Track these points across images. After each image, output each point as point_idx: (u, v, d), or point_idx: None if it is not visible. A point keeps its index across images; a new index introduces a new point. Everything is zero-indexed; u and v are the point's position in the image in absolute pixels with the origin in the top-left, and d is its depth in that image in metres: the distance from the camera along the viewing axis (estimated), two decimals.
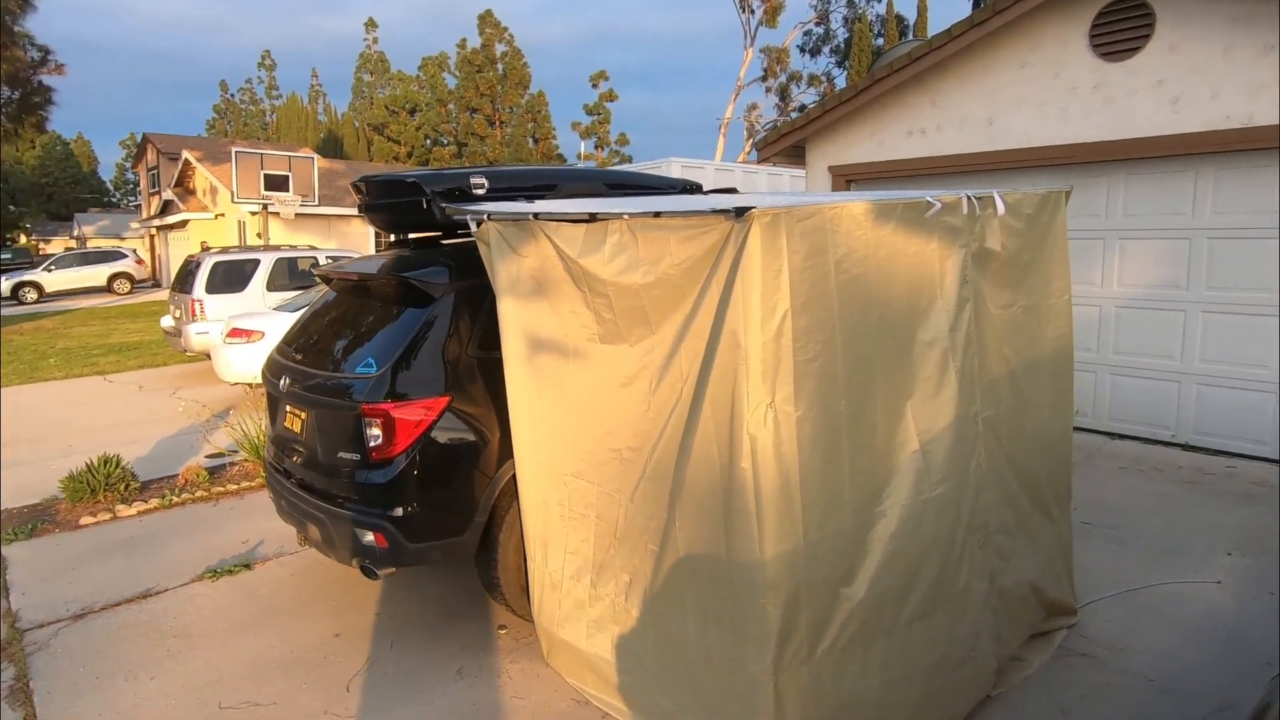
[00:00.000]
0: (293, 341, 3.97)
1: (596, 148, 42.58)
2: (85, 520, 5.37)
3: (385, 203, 4.01)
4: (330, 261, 8.52)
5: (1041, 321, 3.33)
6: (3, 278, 24.53)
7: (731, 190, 4.89)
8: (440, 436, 3.38)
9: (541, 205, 3.45)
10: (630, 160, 42.65)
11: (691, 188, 4.95)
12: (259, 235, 17.80)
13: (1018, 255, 3.17)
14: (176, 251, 29.38)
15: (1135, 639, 3.51)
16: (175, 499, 5.69)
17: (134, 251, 28.22)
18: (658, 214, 2.56)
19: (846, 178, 7.96)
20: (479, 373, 3.50)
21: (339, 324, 3.93)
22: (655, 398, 2.73)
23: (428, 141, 46.49)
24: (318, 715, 3.18)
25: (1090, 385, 6.68)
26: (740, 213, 2.29)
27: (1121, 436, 6.60)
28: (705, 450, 2.53)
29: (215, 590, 4.32)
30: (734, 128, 34.69)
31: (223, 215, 24.97)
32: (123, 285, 26.25)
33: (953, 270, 2.85)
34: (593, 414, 2.99)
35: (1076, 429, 6.62)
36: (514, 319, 3.22)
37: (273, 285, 10.74)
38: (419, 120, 46.52)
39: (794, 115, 26.64)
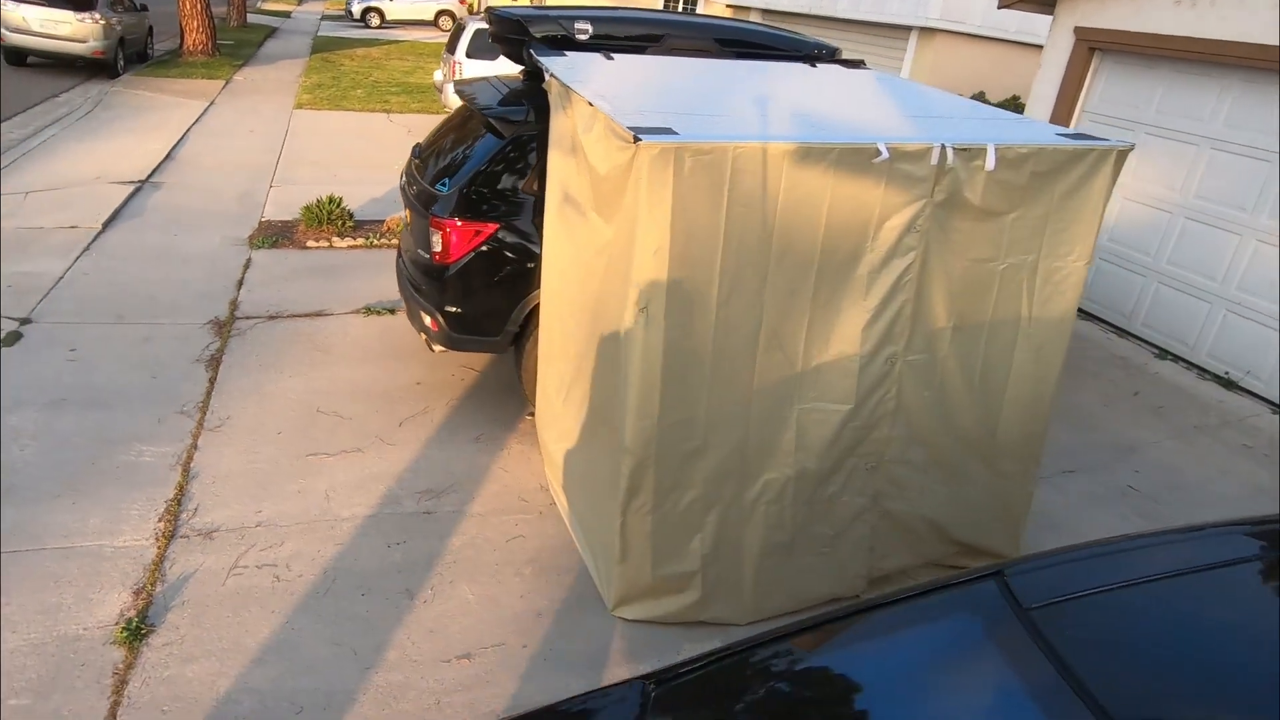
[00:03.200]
0: (420, 149, 4.78)
1: None
2: (310, 243, 6.97)
3: (504, 36, 4.48)
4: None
5: (1039, 283, 3.21)
6: (355, 1, 28.01)
7: (859, 64, 4.71)
8: (486, 256, 4.11)
9: (599, 73, 3.77)
10: None
11: (820, 53, 4.81)
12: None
13: (1017, 212, 3.04)
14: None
15: None
16: (375, 241, 7.11)
17: None
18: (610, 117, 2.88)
19: (1092, 44, 6.86)
20: (529, 208, 4.10)
21: (448, 140, 4.64)
22: (607, 271, 3.20)
23: None
24: (373, 434, 4.35)
25: (1136, 289, 6.67)
26: (638, 138, 2.57)
27: (1147, 342, 6.57)
28: (612, 331, 3.02)
29: (364, 323, 5.63)
30: None
31: None
32: (445, 22, 28.85)
33: (900, 217, 2.89)
34: (583, 269, 3.52)
35: (1116, 329, 6.73)
36: (555, 169, 3.73)
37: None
38: None
39: None
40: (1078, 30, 6.92)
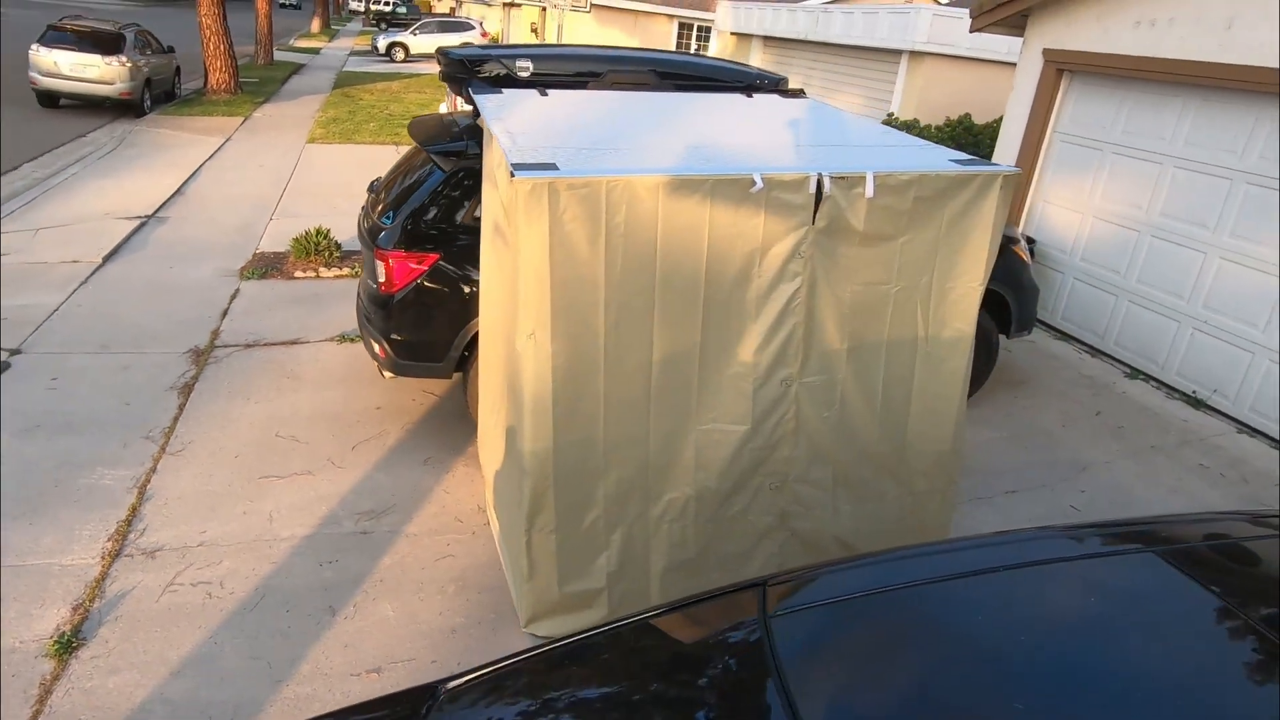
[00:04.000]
0: (376, 184, 4.99)
1: None
2: (297, 274, 7.25)
3: (451, 75, 4.69)
4: None
5: (933, 305, 3.28)
6: (381, 37, 28.91)
7: (799, 93, 4.83)
8: (427, 285, 4.29)
9: (525, 109, 3.94)
10: None
11: (762, 83, 4.95)
12: (533, 29, 19.00)
13: (906, 236, 3.13)
14: (516, 29, 32.09)
15: None
16: (360, 271, 7.36)
17: (481, 23, 31.30)
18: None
19: (1060, 66, 6.91)
20: (469, 239, 4.27)
21: (398, 175, 4.85)
22: (513, 297, 3.34)
23: None
24: (325, 457, 4.53)
25: (1108, 309, 6.61)
26: (514, 174, 2.72)
27: (1119, 361, 6.54)
28: (510, 355, 3.16)
29: (336, 351, 5.85)
30: None
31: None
32: None
33: (784, 244, 2.99)
34: (506, 297, 3.67)
35: (1090, 348, 6.67)
36: (487, 201, 3.89)
37: None
38: None
39: None
40: (1046, 52, 6.98)
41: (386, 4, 48.66)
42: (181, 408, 4.95)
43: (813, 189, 2.93)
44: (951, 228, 3.17)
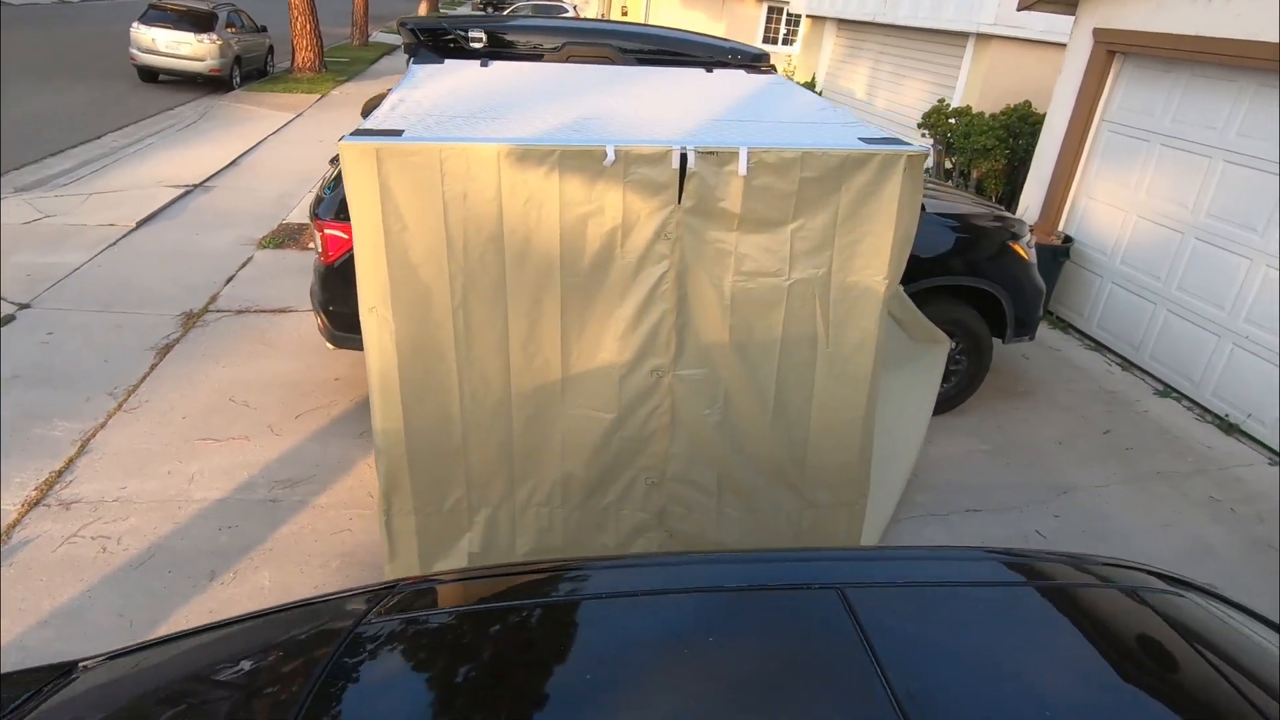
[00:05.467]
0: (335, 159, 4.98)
1: None
2: (311, 245, 7.40)
3: (409, 45, 4.62)
4: None
5: (833, 301, 2.97)
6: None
7: (764, 70, 4.52)
8: None
9: (446, 78, 3.82)
10: None
11: (733, 59, 4.66)
12: (623, 12, 18.82)
13: (796, 222, 2.83)
14: (612, 14, 32.04)
15: None
16: None
17: (575, 7, 31.41)
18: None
19: (1110, 47, 6.24)
20: None
21: None
22: None
23: None
24: (267, 424, 4.57)
25: (1146, 318, 5.93)
26: (345, 137, 2.60)
27: (1152, 376, 5.90)
28: None
29: (313, 321, 5.91)
30: None
31: None
32: None
33: (648, 224, 2.76)
34: None
35: (1122, 360, 6.07)
36: None
37: None
38: None
39: None
40: (1096, 32, 6.33)
41: None
42: (153, 367, 5.12)
43: (676, 164, 2.69)
44: (850, 215, 2.85)
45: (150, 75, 15.43)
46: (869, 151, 2.77)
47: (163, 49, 14.83)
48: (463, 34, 4.39)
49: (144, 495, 3.93)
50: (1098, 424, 5.18)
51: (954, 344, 4.81)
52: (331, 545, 3.70)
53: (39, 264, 6.51)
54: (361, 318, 2.84)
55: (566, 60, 4.46)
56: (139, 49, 14.83)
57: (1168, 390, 5.65)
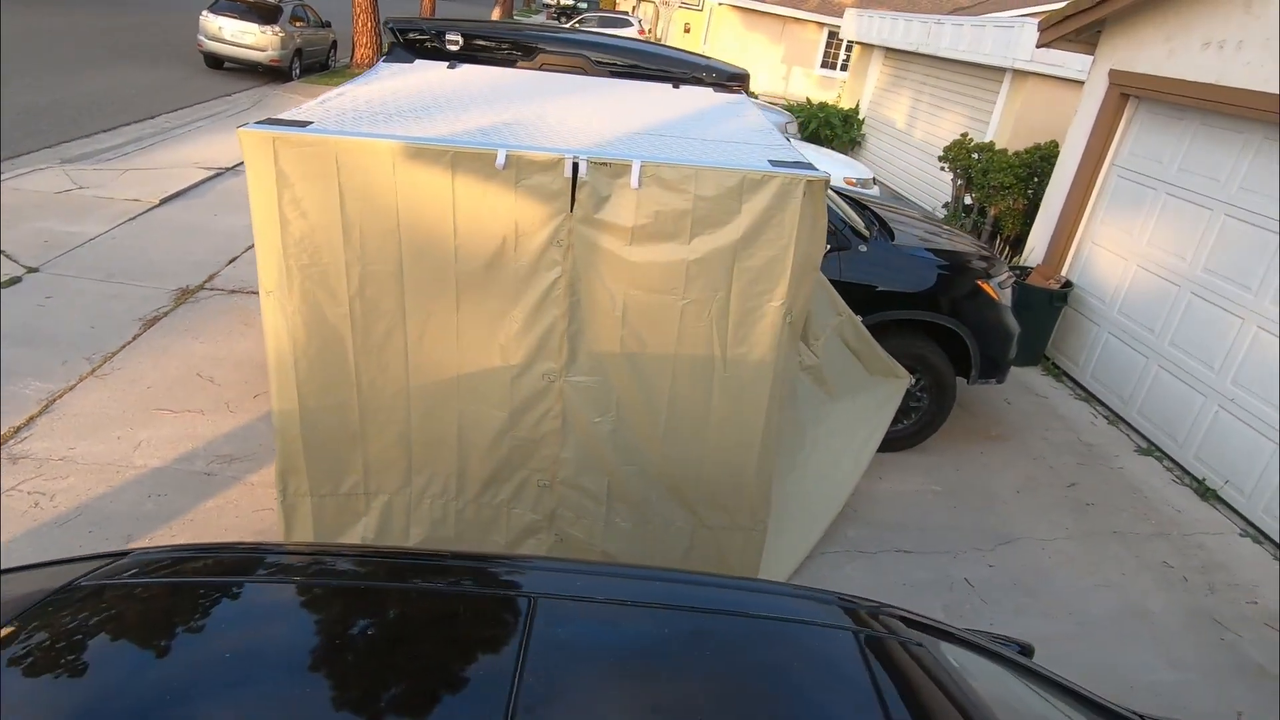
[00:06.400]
0: None
1: None
2: None
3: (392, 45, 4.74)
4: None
5: (731, 325, 2.94)
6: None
7: (732, 89, 4.51)
8: None
9: (404, 77, 3.91)
10: None
11: (711, 77, 4.66)
12: (685, 29, 18.93)
13: (693, 243, 2.81)
14: (673, 30, 32.29)
15: None
16: None
17: (641, 20, 31.73)
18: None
19: (1125, 90, 6.05)
20: None
21: None
22: None
23: None
24: (225, 400, 4.71)
25: (1137, 371, 5.68)
26: (246, 125, 2.69)
27: (1137, 432, 5.68)
28: None
29: None
30: None
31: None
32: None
33: (542, 231, 2.78)
34: None
35: (1111, 413, 5.86)
36: None
37: None
38: None
39: None
40: (1112, 74, 6.15)
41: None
42: (135, 338, 5.32)
43: (568, 173, 2.70)
44: (750, 237, 2.82)
45: (216, 62, 16.09)
46: (768, 173, 2.75)
47: (228, 37, 15.45)
48: (441, 36, 4.49)
49: (88, 457, 4.08)
50: (1065, 476, 4.99)
51: (914, 380, 4.72)
52: (250, 522, 3.78)
53: (59, 231, 6.83)
54: (261, 301, 2.91)
55: (539, 68, 4.52)
56: (206, 36, 15.49)
57: (1151, 448, 5.42)
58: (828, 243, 4.38)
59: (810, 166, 2.85)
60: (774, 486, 3.86)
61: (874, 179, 9.94)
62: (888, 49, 13.89)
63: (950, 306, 4.62)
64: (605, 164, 2.71)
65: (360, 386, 3.01)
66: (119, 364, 4.96)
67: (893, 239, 4.81)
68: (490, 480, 3.18)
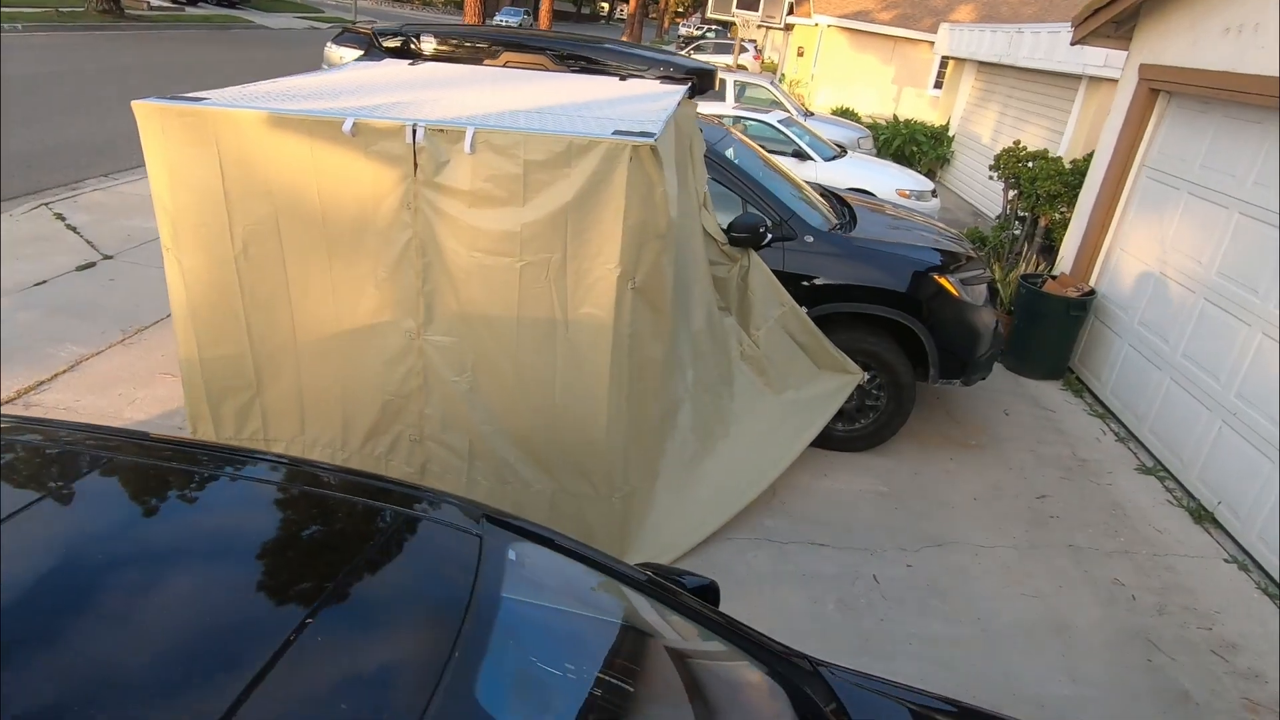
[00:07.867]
0: None
1: None
2: None
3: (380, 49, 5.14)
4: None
5: (569, 287, 3.03)
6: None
7: (682, 81, 4.59)
8: None
9: (362, 70, 4.26)
10: None
11: (680, 74, 4.75)
12: (799, 53, 18.88)
13: (527, 206, 2.94)
14: (789, 54, 32.16)
15: None
16: None
17: (755, 44, 31.85)
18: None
19: (1154, 85, 5.63)
20: None
21: None
22: None
23: None
24: None
25: (1152, 385, 5.17)
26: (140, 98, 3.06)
27: (1146, 450, 5.13)
28: None
29: None
30: None
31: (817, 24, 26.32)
32: None
33: (393, 194, 3.00)
34: None
35: (1122, 430, 5.42)
36: None
37: None
38: None
39: None
40: (1141, 69, 5.75)
41: (699, 28, 51.31)
42: (168, 315, 5.96)
43: (410, 139, 2.90)
44: (581, 202, 2.92)
45: None
46: (594, 139, 2.84)
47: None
48: (417, 38, 4.85)
49: (87, 408, 4.63)
50: (1037, 488, 4.67)
51: (866, 377, 4.59)
52: None
53: (142, 228, 7.73)
54: (163, 257, 3.28)
55: (504, 65, 4.78)
56: (328, 65, 16.98)
57: (1156, 468, 4.97)
58: (770, 232, 4.37)
59: (648, 134, 2.91)
60: (683, 467, 3.88)
61: (933, 191, 9.61)
62: (980, 63, 13.38)
63: (901, 301, 4.47)
64: (441, 130, 2.89)
65: (252, 339, 3.32)
66: (147, 335, 5.58)
67: (840, 235, 4.70)
68: (371, 433, 3.40)
